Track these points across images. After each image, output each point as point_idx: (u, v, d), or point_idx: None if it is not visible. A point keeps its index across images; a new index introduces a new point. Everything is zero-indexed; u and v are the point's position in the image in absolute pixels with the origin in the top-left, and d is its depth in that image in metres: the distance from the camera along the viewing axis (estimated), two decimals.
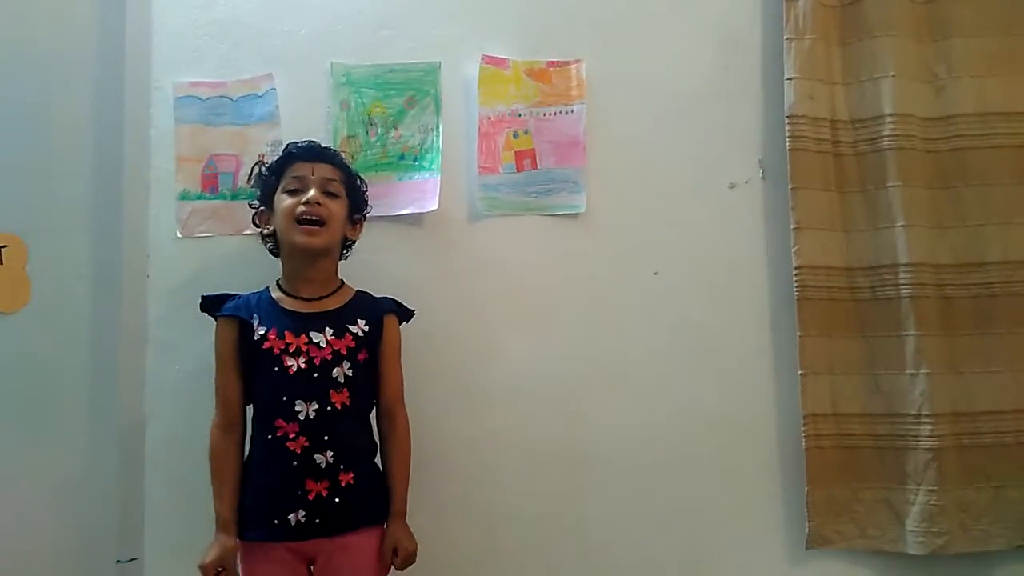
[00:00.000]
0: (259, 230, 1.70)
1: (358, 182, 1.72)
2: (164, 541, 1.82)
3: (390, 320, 1.66)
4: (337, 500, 1.55)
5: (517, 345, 1.84)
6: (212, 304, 1.65)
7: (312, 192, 1.61)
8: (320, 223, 1.60)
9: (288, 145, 1.70)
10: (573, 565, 1.81)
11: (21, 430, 1.79)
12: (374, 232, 1.79)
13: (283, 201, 1.63)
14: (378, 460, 1.65)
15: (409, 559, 1.60)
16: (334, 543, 1.55)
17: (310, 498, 1.54)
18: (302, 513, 1.53)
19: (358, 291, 1.68)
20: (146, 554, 1.83)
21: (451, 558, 1.78)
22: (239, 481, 1.59)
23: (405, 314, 1.69)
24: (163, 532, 1.82)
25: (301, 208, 1.60)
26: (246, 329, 1.60)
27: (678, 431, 1.82)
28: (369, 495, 1.60)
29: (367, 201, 1.74)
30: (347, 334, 1.61)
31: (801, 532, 1.75)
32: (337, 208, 1.64)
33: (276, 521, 1.54)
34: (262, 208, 1.69)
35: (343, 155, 1.74)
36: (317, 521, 1.54)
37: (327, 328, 1.60)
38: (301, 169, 1.64)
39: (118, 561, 1.79)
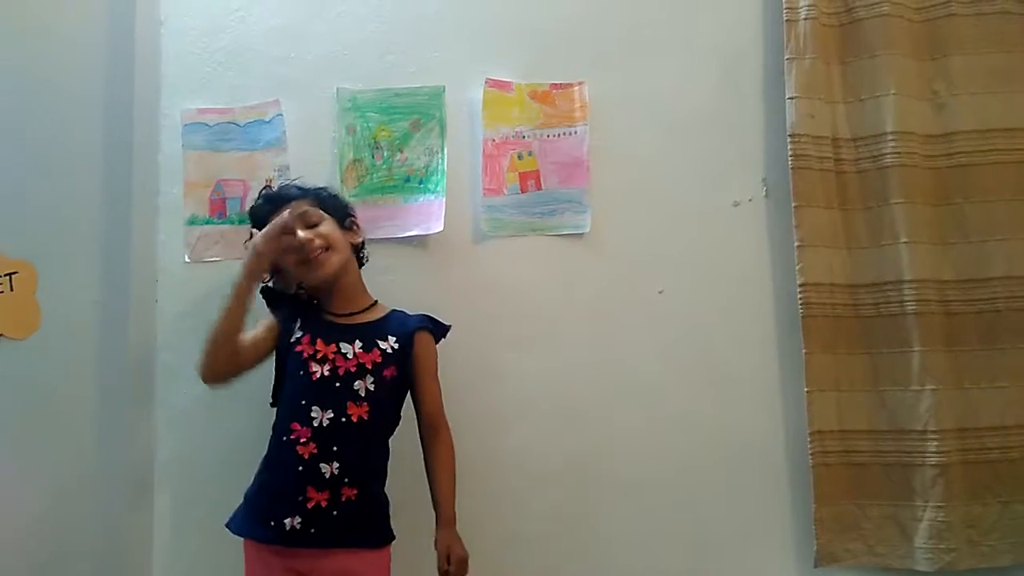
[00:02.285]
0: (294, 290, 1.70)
1: (326, 193, 1.71)
2: (173, 565, 1.82)
3: (422, 337, 1.67)
4: (335, 513, 1.55)
5: (523, 364, 1.85)
6: (271, 298, 1.69)
7: (300, 235, 1.61)
8: (324, 249, 1.63)
9: (249, 213, 1.71)
10: None
11: (31, 454, 1.79)
12: (381, 253, 1.80)
13: (285, 261, 1.63)
14: (387, 488, 1.65)
15: (462, 566, 1.57)
16: (331, 563, 1.54)
17: (308, 506, 1.54)
18: (298, 519, 1.53)
19: (394, 309, 1.70)
20: None
21: None
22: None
23: (440, 330, 1.71)
24: (172, 556, 1.82)
25: (300, 254, 1.61)
26: (287, 329, 1.64)
27: (684, 449, 1.83)
28: (370, 516, 1.59)
29: (345, 203, 1.74)
30: (375, 349, 1.62)
31: (809, 550, 1.75)
32: (328, 229, 1.65)
33: (272, 523, 1.54)
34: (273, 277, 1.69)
35: (296, 183, 1.72)
36: (312, 531, 1.53)
37: (356, 341, 1.62)
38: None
39: None
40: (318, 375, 1.59)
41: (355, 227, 1.73)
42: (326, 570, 1.55)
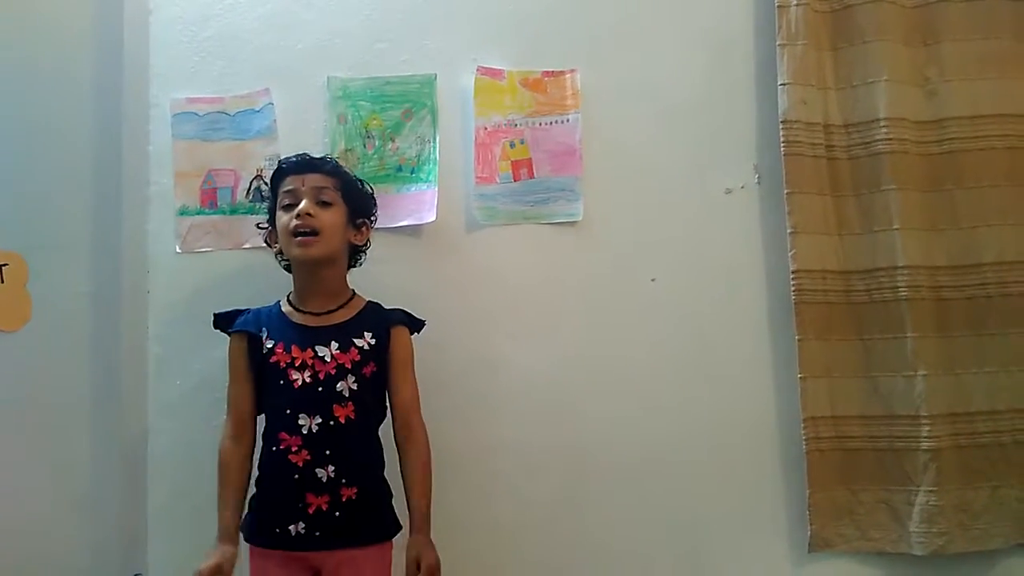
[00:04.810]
0: (272, 249, 1.72)
1: (357, 186, 1.71)
2: (168, 556, 1.82)
3: (398, 332, 1.66)
4: (337, 514, 1.55)
5: (517, 353, 1.85)
6: (224, 320, 1.67)
7: (303, 203, 1.61)
8: (314, 233, 1.60)
9: (280, 161, 1.71)
10: (576, 570, 1.82)
11: (23, 447, 1.79)
12: (373, 243, 1.78)
13: (280, 218, 1.64)
14: (387, 475, 1.65)
15: (432, 571, 1.57)
16: (338, 556, 1.55)
17: (310, 512, 1.54)
18: (302, 525, 1.54)
19: (369, 302, 1.69)
20: (150, 570, 1.83)
21: (456, 567, 1.77)
22: (244, 490, 1.61)
23: (415, 325, 1.69)
24: (167, 547, 1.82)
25: (294, 222, 1.61)
26: (255, 343, 1.62)
27: (678, 436, 1.83)
28: (373, 511, 1.59)
29: (373, 202, 1.74)
30: (352, 348, 1.61)
31: (803, 535, 1.76)
32: (331, 216, 1.63)
33: (278, 530, 1.55)
34: (270, 228, 1.70)
35: (338, 161, 1.72)
36: (317, 534, 1.54)
37: (332, 342, 1.61)
38: (292, 182, 1.64)
39: None
40: (299, 382, 1.58)
41: (364, 228, 1.71)
42: (329, 562, 1.56)
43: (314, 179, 1.64)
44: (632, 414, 1.84)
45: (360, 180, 1.74)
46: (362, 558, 1.57)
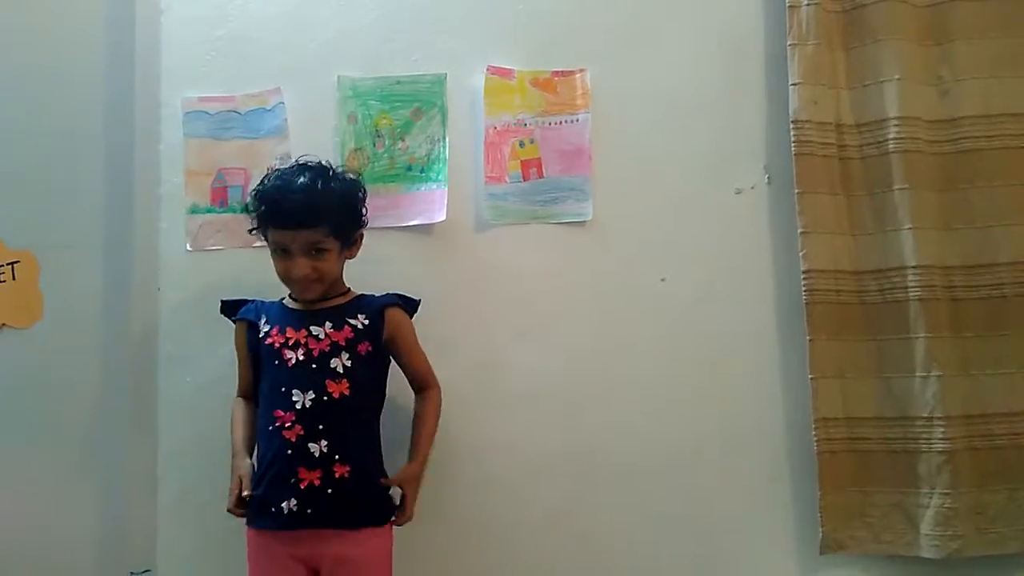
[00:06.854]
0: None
1: (345, 208, 1.62)
2: (177, 553, 1.82)
3: (393, 312, 1.67)
4: (329, 491, 1.55)
5: (525, 352, 1.85)
6: (230, 308, 1.72)
7: (298, 265, 1.58)
8: (314, 280, 1.61)
9: (263, 198, 1.61)
10: (581, 573, 1.80)
11: (34, 444, 1.81)
12: (383, 242, 1.80)
13: (275, 262, 1.62)
14: (382, 464, 1.65)
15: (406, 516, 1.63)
16: (333, 552, 1.55)
17: (302, 487, 1.54)
18: (294, 502, 1.54)
19: (362, 294, 1.71)
20: (159, 565, 1.83)
21: (458, 567, 1.78)
22: (254, 427, 1.65)
23: (409, 305, 1.70)
24: (176, 544, 1.83)
25: (292, 279, 1.61)
26: (253, 329, 1.67)
27: (687, 438, 1.82)
28: (366, 493, 1.59)
29: (361, 203, 1.68)
30: (346, 326, 1.63)
31: (814, 538, 1.74)
32: (328, 262, 1.61)
33: (273, 509, 1.55)
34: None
35: (318, 179, 1.61)
36: (309, 511, 1.54)
37: (327, 322, 1.63)
38: (281, 237, 1.59)
39: (132, 573, 1.80)
40: (293, 361, 1.60)
41: (358, 239, 1.69)
42: (326, 556, 1.56)
43: (305, 236, 1.58)
44: (641, 414, 1.83)
45: (343, 184, 1.64)
46: (357, 552, 1.56)
